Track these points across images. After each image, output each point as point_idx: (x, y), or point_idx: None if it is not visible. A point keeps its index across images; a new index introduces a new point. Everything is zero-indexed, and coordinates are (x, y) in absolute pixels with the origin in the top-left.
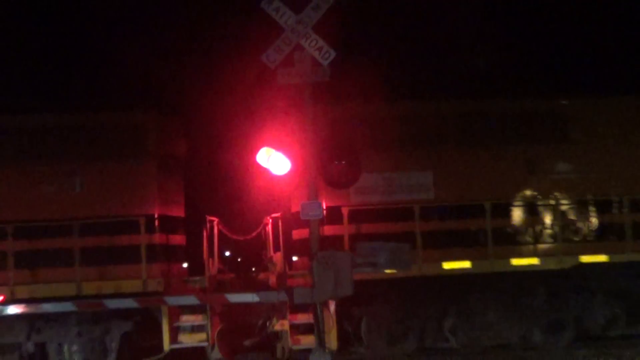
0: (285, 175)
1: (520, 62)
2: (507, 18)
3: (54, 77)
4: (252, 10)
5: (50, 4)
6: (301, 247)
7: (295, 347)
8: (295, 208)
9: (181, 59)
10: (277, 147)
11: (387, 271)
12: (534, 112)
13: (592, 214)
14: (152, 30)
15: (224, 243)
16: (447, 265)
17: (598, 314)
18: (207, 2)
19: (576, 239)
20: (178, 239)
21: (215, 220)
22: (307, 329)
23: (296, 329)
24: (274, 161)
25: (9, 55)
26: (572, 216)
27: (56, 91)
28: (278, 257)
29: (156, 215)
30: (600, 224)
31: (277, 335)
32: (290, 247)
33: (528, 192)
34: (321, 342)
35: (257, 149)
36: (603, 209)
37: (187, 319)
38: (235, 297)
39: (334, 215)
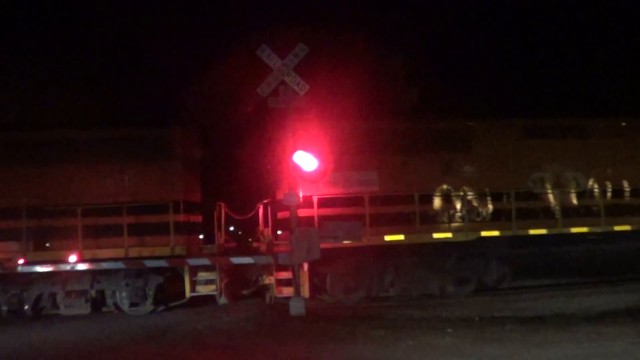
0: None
1: (440, 93)
2: (432, 61)
3: (114, 99)
4: (250, 54)
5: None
6: (284, 224)
7: (279, 295)
8: (279, 196)
9: (201, 87)
10: (266, 151)
11: (345, 242)
12: (448, 129)
13: (489, 202)
14: (177, 65)
15: (229, 221)
16: (388, 238)
17: (492, 272)
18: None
19: (478, 219)
20: (196, 218)
21: (223, 204)
22: (287, 283)
23: (280, 282)
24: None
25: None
26: (475, 203)
27: (114, 111)
28: (267, 231)
29: (181, 201)
30: (495, 209)
31: (266, 287)
32: (276, 224)
33: (444, 186)
34: (298, 292)
35: (254, 154)
36: (496, 198)
37: (202, 275)
38: (236, 260)
39: (307, 202)
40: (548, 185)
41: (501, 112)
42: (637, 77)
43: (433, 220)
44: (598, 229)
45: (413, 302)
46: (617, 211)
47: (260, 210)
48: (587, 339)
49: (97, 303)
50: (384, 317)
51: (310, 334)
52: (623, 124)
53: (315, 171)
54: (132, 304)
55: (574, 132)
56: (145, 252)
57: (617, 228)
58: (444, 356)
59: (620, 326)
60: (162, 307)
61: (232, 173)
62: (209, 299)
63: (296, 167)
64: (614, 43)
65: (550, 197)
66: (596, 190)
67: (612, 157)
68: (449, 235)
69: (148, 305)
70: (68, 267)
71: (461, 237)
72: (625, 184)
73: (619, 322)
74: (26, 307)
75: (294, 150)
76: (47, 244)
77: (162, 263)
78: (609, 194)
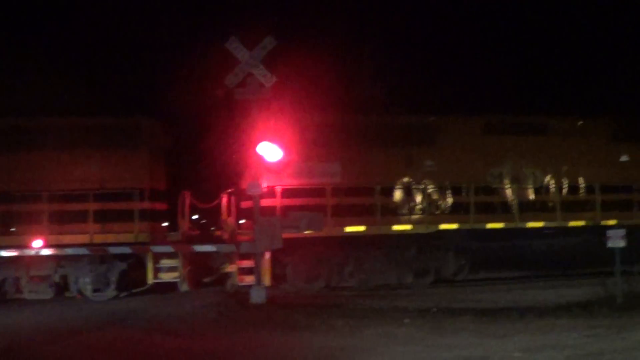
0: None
1: (404, 88)
2: (397, 56)
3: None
4: (218, 45)
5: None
6: (247, 214)
7: (240, 284)
8: (243, 186)
9: (168, 78)
10: (230, 142)
11: (306, 232)
12: (411, 124)
13: (449, 195)
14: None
15: (193, 209)
16: (348, 229)
17: (450, 264)
18: (186, 39)
19: (437, 212)
20: (161, 206)
21: (187, 193)
22: (249, 271)
23: (241, 271)
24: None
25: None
26: (435, 197)
27: (82, 99)
28: (231, 220)
29: (146, 189)
30: (454, 202)
31: (228, 275)
32: (240, 214)
33: (406, 179)
34: (259, 280)
35: (220, 144)
36: (456, 192)
37: (165, 262)
38: (199, 248)
39: (270, 192)
40: (506, 181)
41: (463, 108)
42: (595, 77)
43: (394, 213)
44: (553, 224)
45: (372, 292)
46: (572, 207)
47: (224, 200)
48: (542, 331)
49: (61, 288)
50: (343, 306)
51: (270, 322)
52: (580, 122)
53: (279, 162)
54: (96, 290)
55: (533, 129)
56: (110, 238)
57: (571, 223)
58: (401, 345)
59: (573, 319)
60: (124, 293)
61: (198, 162)
62: (171, 286)
63: (260, 158)
64: (574, 43)
65: (508, 191)
66: (552, 186)
67: (569, 154)
68: (408, 227)
69: (111, 291)
70: (32, 252)
71: (421, 229)
72: (581, 180)
73: (572, 314)
74: None
75: (259, 141)
76: (13, 229)
77: (126, 249)
78: (564, 190)
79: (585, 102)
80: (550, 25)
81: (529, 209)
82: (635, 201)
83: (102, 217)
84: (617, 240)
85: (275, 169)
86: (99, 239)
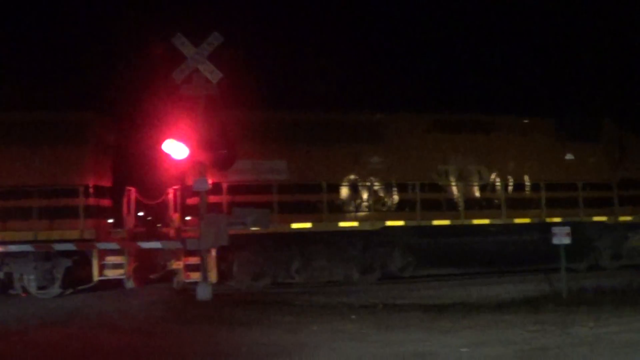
0: (182, 159)
1: (351, 87)
2: (344, 54)
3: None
4: (165, 42)
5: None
6: (193, 210)
7: (186, 280)
8: (189, 182)
9: (114, 73)
10: (179, 138)
11: (253, 228)
12: (358, 121)
13: (395, 193)
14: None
15: (139, 206)
16: (295, 225)
17: (397, 261)
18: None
19: (384, 209)
20: (106, 202)
21: (133, 189)
22: (195, 268)
23: (188, 267)
24: (175, 149)
25: None
26: (381, 194)
27: (28, 95)
28: (176, 217)
29: (91, 185)
30: (400, 199)
31: (174, 272)
32: (185, 210)
33: (352, 176)
34: (205, 277)
35: (165, 140)
36: (402, 189)
37: (111, 259)
38: (145, 244)
39: (216, 189)
40: (452, 178)
41: (410, 106)
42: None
43: (340, 209)
44: (499, 221)
45: (319, 289)
46: (517, 204)
47: (170, 196)
48: (488, 327)
49: (5, 286)
50: (290, 303)
51: (216, 319)
52: (525, 121)
53: (225, 159)
54: (40, 287)
55: (479, 127)
56: (55, 235)
57: (517, 220)
58: (348, 342)
59: (519, 314)
60: (70, 291)
61: (144, 158)
62: (116, 283)
63: (206, 155)
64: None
65: (454, 189)
66: (498, 184)
67: (514, 152)
68: (355, 224)
69: (56, 289)
70: None
71: (367, 226)
72: (526, 178)
73: (517, 310)
74: None
75: (204, 137)
76: None
77: (71, 246)
78: (510, 188)
79: (531, 101)
80: (496, 25)
81: (475, 206)
82: (580, 199)
83: (47, 214)
84: (562, 237)
85: (220, 166)
86: (43, 235)
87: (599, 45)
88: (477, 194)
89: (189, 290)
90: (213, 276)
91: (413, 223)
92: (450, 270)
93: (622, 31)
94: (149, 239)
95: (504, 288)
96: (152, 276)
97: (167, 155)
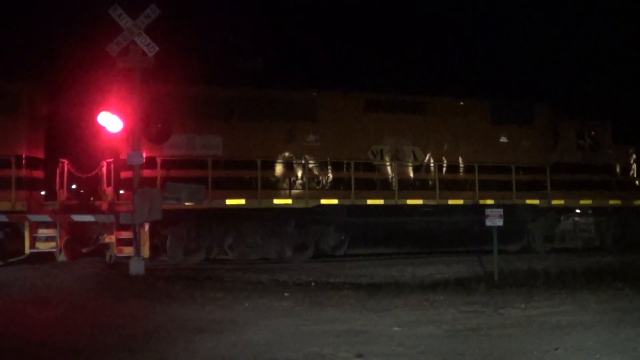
0: (117, 131)
1: (287, 64)
2: (281, 31)
3: None
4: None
5: None
6: (127, 184)
7: (119, 255)
8: (123, 156)
9: (50, 43)
10: (114, 111)
11: (187, 204)
12: (293, 98)
13: (330, 171)
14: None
15: (72, 179)
16: (229, 202)
17: (330, 239)
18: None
19: (318, 187)
20: (39, 174)
21: (66, 161)
22: (128, 242)
23: (121, 242)
24: (110, 121)
25: None
26: (316, 172)
27: None
28: (110, 190)
29: (23, 156)
30: (335, 178)
31: (107, 246)
32: (119, 184)
33: (287, 154)
34: (138, 251)
35: (100, 113)
36: (337, 168)
37: (43, 232)
38: (77, 217)
39: (151, 163)
40: (387, 158)
41: (346, 85)
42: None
43: (274, 187)
44: (433, 202)
45: (252, 266)
46: (451, 186)
47: (104, 169)
48: (420, 306)
49: None
50: (222, 279)
51: (149, 294)
52: (461, 103)
53: (157, 132)
54: None
55: (414, 108)
56: None
57: (450, 202)
58: (280, 319)
59: (451, 295)
60: (0, 263)
61: (78, 130)
62: (48, 256)
63: (140, 128)
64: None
65: (389, 169)
66: (432, 164)
67: (449, 134)
68: (289, 201)
69: None
70: None
71: (301, 204)
72: (460, 160)
73: (449, 291)
74: None
75: (139, 112)
76: None
77: (2, 218)
78: (444, 169)
79: (466, 84)
80: (434, 6)
81: (409, 186)
82: (513, 182)
83: None
84: (495, 220)
85: (155, 140)
86: None
87: (535, 29)
88: (411, 174)
89: (122, 264)
90: (146, 251)
91: (347, 202)
92: (383, 249)
93: (559, 15)
94: (81, 212)
95: (436, 268)
96: (84, 250)
97: (102, 128)
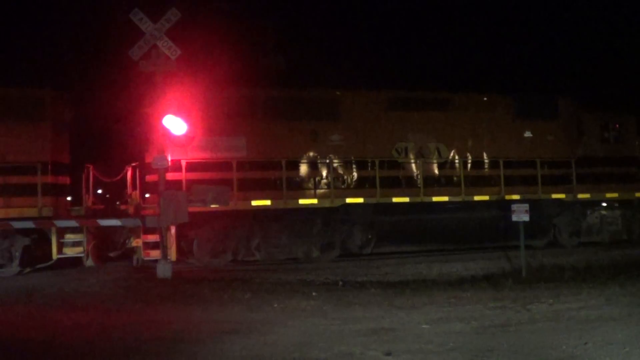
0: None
1: (310, 64)
2: (304, 30)
3: None
4: (124, 18)
5: None
6: (152, 188)
7: (146, 258)
8: (148, 159)
9: (73, 50)
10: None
11: (213, 206)
12: (316, 98)
13: (354, 170)
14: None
15: (97, 183)
16: (255, 203)
17: (356, 238)
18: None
19: (343, 186)
20: (64, 180)
21: (91, 166)
22: (155, 246)
23: (147, 245)
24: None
25: None
26: (340, 171)
27: None
28: (135, 194)
29: (49, 162)
30: (360, 177)
31: (134, 250)
32: (145, 187)
33: (311, 154)
34: (165, 255)
35: (122, 118)
36: (361, 166)
37: (70, 237)
38: (104, 222)
39: (176, 166)
40: (411, 155)
41: (369, 83)
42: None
43: (299, 187)
44: (458, 199)
45: (279, 266)
46: (476, 182)
47: (129, 173)
48: (447, 303)
49: None
50: (250, 280)
51: (177, 297)
52: (485, 99)
53: (184, 135)
54: None
55: (437, 105)
56: (13, 213)
57: (476, 198)
58: (309, 319)
59: (479, 291)
60: (28, 269)
61: (102, 135)
62: (76, 261)
63: (166, 131)
64: (480, 22)
65: (413, 166)
66: (457, 161)
67: (473, 130)
68: (314, 201)
69: (14, 267)
70: None
71: (326, 204)
72: (485, 155)
73: (477, 287)
74: None
75: (164, 114)
76: None
77: (29, 224)
78: (469, 165)
79: (490, 79)
80: (456, 2)
81: (434, 183)
82: (539, 176)
83: (4, 191)
84: (521, 215)
85: (180, 143)
86: (1, 213)
87: (558, 24)
88: (436, 171)
89: (149, 268)
90: (173, 254)
91: (372, 200)
92: (410, 247)
93: (580, 10)
94: (108, 216)
95: (463, 265)
96: (111, 254)
97: (126, 132)
